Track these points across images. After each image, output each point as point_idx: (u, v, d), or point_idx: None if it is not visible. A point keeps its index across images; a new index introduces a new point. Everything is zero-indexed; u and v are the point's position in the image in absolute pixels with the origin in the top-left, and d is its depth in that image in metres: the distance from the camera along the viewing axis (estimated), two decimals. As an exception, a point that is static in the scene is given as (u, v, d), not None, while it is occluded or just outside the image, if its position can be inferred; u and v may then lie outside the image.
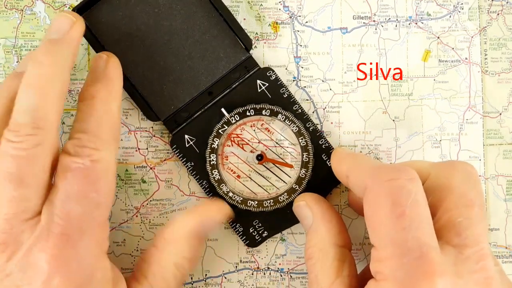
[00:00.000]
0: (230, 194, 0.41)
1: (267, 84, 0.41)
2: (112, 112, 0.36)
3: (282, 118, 0.41)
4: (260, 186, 0.42)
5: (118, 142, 0.36)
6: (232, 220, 0.41)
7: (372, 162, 0.35)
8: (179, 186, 0.42)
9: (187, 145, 0.41)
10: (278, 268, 0.42)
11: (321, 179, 0.41)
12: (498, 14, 0.43)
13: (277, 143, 0.42)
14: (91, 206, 0.33)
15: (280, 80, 0.41)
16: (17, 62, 0.42)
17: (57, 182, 0.34)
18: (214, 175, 0.41)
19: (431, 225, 0.31)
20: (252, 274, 0.42)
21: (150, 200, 0.42)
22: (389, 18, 0.43)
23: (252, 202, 0.41)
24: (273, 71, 0.41)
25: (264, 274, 0.42)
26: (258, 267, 0.42)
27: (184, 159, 0.41)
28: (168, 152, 0.42)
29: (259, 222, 0.41)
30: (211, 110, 0.41)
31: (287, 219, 0.41)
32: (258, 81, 0.41)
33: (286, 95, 0.41)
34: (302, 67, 0.42)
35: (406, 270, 0.30)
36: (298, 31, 0.43)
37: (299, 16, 0.42)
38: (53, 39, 0.36)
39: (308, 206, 0.38)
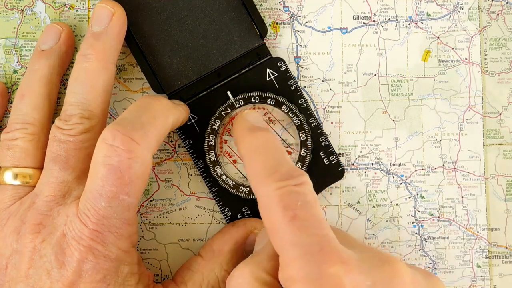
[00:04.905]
0: (224, 177, 0.40)
1: (276, 74, 0.41)
2: (167, 123, 0.36)
3: (286, 110, 0.41)
4: None
5: (155, 141, 0.35)
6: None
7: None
8: (179, 186, 0.42)
9: (188, 123, 0.41)
10: (278, 268, 0.42)
11: (315, 176, 0.41)
12: (498, 14, 0.43)
13: (277, 134, 0.42)
14: (120, 207, 0.34)
15: (290, 72, 0.41)
16: (17, 62, 0.42)
17: (91, 173, 0.34)
18: (210, 156, 0.40)
19: (325, 221, 0.31)
20: (252, 274, 0.42)
21: (150, 200, 0.42)
22: (389, 18, 0.43)
23: (244, 188, 0.40)
24: (284, 62, 0.41)
25: (264, 274, 0.42)
26: (258, 267, 0.42)
27: (183, 136, 0.41)
28: (168, 152, 0.42)
29: (248, 210, 0.41)
30: (217, 92, 0.41)
31: None
32: (268, 70, 0.41)
33: (294, 87, 0.41)
34: (302, 67, 0.42)
35: (312, 265, 0.29)
36: (298, 31, 0.43)
37: (299, 16, 0.42)
38: (95, 33, 0.38)
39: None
